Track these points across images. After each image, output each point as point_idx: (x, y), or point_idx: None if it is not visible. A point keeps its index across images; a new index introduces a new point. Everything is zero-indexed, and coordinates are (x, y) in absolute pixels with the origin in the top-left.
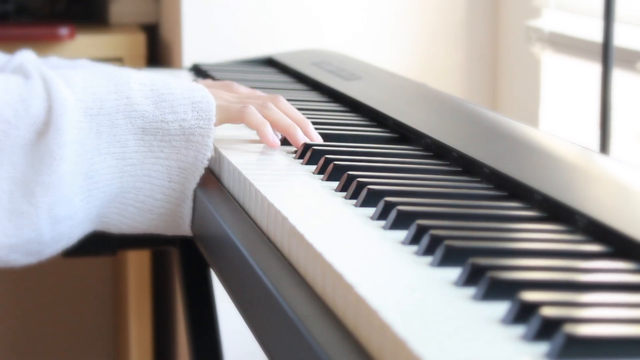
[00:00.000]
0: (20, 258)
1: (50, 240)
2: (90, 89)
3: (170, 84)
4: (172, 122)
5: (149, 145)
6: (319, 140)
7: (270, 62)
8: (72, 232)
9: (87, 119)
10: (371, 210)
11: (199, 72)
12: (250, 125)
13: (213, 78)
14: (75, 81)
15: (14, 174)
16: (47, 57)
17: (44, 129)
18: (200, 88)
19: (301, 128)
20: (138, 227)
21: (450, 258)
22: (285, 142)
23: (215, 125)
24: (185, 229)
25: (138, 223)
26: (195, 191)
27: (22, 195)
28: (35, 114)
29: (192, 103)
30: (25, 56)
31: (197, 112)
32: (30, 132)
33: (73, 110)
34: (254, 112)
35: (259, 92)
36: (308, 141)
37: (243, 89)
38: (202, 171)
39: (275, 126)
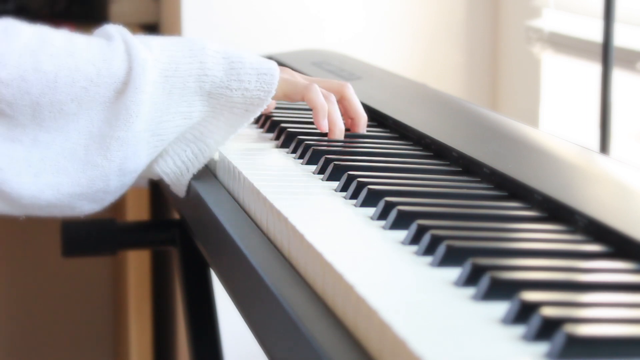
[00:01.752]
0: (86, 205)
1: (115, 189)
2: (166, 52)
3: (242, 55)
4: (235, 90)
5: (212, 107)
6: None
7: None
8: (130, 182)
9: (162, 79)
10: (371, 210)
11: None
12: (309, 103)
13: None
14: (152, 44)
15: (91, 128)
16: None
17: (123, 88)
18: (271, 62)
19: (356, 124)
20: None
21: (450, 258)
22: (285, 142)
23: (278, 97)
24: (183, 186)
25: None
26: (190, 183)
27: (97, 148)
28: (116, 74)
29: (258, 74)
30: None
31: (260, 83)
32: (110, 91)
33: (151, 70)
34: (317, 92)
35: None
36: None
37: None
38: (241, 125)
39: (348, 107)
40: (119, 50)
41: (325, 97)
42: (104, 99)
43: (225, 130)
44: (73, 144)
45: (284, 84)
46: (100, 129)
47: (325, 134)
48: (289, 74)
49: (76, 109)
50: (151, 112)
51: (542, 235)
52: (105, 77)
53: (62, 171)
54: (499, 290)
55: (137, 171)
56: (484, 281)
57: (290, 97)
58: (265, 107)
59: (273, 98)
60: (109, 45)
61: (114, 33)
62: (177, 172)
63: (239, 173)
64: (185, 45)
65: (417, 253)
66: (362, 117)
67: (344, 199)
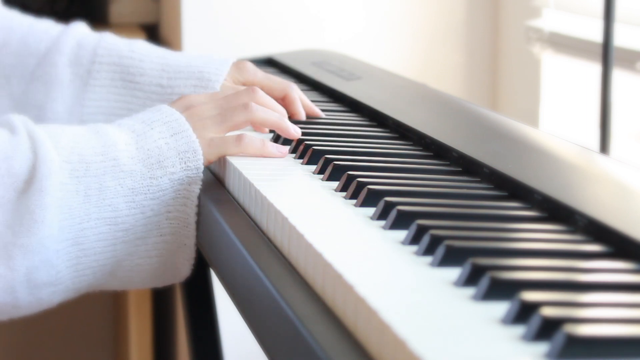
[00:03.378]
0: None
1: (27, 305)
2: (76, 149)
3: (154, 135)
4: (161, 178)
5: (140, 206)
6: (298, 133)
7: (270, 62)
8: (52, 298)
9: (73, 181)
10: (371, 210)
11: None
12: (253, 155)
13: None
14: (61, 141)
15: None
16: (102, 33)
17: (25, 188)
18: (183, 129)
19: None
20: (130, 285)
21: (450, 258)
22: (284, 142)
23: (211, 162)
24: (184, 274)
25: (134, 283)
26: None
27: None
28: (17, 174)
29: (178, 154)
30: (79, 30)
31: (185, 163)
32: (9, 191)
33: (58, 172)
34: (251, 141)
35: (230, 86)
36: (299, 134)
37: (216, 90)
38: (194, 225)
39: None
40: (22, 147)
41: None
42: (3, 200)
43: (158, 222)
44: None
45: (212, 149)
46: (2, 234)
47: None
48: (209, 128)
49: None
50: (64, 217)
51: (542, 235)
52: (5, 177)
53: None
54: (499, 290)
55: (56, 285)
56: (484, 281)
57: (226, 155)
58: (199, 185)
59: (207, 164)
60: (11, 141)
61: (18, 125)
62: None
63: (239, 173)
64: (97, 140)
65: (417, 253)
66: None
67: (343, 199)
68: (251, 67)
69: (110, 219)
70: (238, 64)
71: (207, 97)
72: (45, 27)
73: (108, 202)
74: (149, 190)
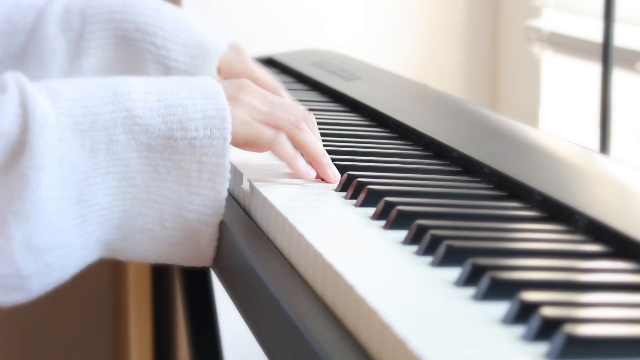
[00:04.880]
0: (1, 295)
1: (36, 273)
2: (79, 101)
3: (181, 92)
4: (181, 140)
5: (154, 165)
6: (337, 178)
7: (270, 62)
8: (65, 262)
9: (76, 136)
10: (371, 210)
11: None
12: (280, 158)
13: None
14: (62, 93)
15: None
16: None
17: (20, 149)
18: (216, 95)
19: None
20: (149, 256)
21: (450, 258)
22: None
23: (237, 145)
24: (205, 261)
25: (148, 252)
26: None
27: None
28: (7, 133)
29: (204, 118)
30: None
31: (210, 130)
32: (4, 153)
33: (54, 127)
34: (286, 144)
35: (287, 99)
36: (338, 179)
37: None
38: (223, 202)
39: (303, 149)
40: (11, 104)
41: (295, 127)
42: None
43: (178, 193)
44: None
45: (244, 129)
46: None
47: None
48: (246, 110)
49: None
50: (66, 175)
51: (542, 235)
52: None
53: None
54: (499, 290)
55: (63, 247)
56: (484, 281)
57: (254, 146)
58: (228, 157)
59: (234, 145)
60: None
61: (9, 82)
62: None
63: (240, 173)
64: (107, 89)
65: (417, 253)
66: (320, 156)
67: (343, 199)
68: (246, 53)
69: (119, 173)
70: (235, 45)
71: (264, 93)
72: (30, 1)
73: (118, 157)
74: (165, 150)
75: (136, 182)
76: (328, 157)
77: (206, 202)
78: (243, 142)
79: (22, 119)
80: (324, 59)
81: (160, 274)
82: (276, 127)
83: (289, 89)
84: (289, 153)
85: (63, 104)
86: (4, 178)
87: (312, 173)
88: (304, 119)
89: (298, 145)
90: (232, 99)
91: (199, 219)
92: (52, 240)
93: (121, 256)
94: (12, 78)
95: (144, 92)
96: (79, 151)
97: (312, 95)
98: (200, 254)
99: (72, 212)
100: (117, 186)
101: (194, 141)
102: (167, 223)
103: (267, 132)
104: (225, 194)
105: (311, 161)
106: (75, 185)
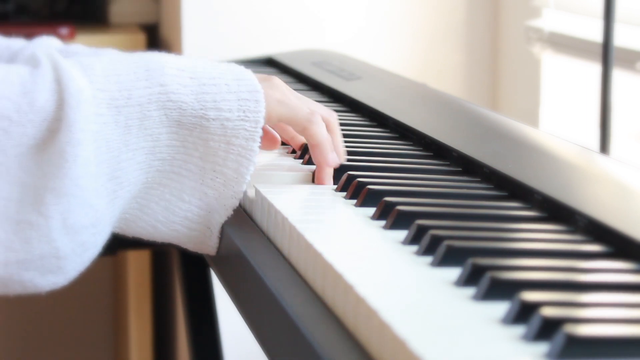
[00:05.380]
0: (37, 277)
1: (72, 252)
2: (113, 77)
3: (213, 72)
4: (213, 120)
5: (182, 140)
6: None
7: (270, 62)
8: (96, 240)
9: (111, 111)
10: (371, 210)
11: None
12: (312, 139)
13: None
14: (95, 69)
15: (24, 178)
16: (69, 44)
17: (57, 126)
18: (249, 77)
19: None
20: (157, 232)
21: (450, 258)
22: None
23: (270, 123)
24: (210, 247)
25: (159, 223)
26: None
27: (31, 203)
28: (44, 108)
29: (238, 99)
30: (45, 42)
31: (244, 112)
32: (41, 130)
33: (90, 102)
34: (320, 123)
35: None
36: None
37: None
38: (243, 187)
39: (329, 139)
40: (45, 79)
41: (328, 120)
42: (35, 140)
43: (202, 169)
44: (4, 199)
45: (279, 107)
46: (35, 177)
47: None
48: (279, 91)
49: (1, 157)
50: (101, 151)
51: (542, 235)
52: (29, 114)
53: None
54: (499, 290)
55: (96, 225)
56: (484, 281)
57: (284, 128)
58: (258, 142)
59: (266, 123)
60: (33, 74)
61: (41, 58)
62: (150, 233)
63: None
64: (140, 65)
65: (417, 253)
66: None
67: (343, 199)
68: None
69: (148, 148)
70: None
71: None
72: (7, 43)
73: (149, 132)
74: (195, 128)
75: (162, 155)
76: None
77: (228, 182)
78: (277, 120)
79: (58, 94)
80: (324, 59)
81: (160, 274)
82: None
83: None
84: (324, 134)
85: (97, 79)
86: (40, 155)
87: (335, 162)
88: (327, 116)
89: (330, 130)
90: (264, 80)
91: (217, 198)
92: (87, 219)
93: (129, 230)
94: (44, 55)
95: (177, 69)
96: (113, 127)
97: (312, 95)
98: (207, 238)
99: (105, 189)
100: (144, 160)
101: (227, 122)
102: (186, 196)
103: (304, 109)
104: (248, 178)
105: (321, 160)
106: (109, 162)
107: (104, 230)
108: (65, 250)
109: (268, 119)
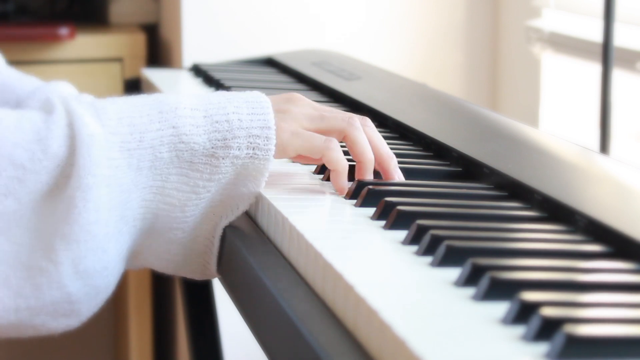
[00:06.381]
0: (49, 321)
1: (85, 296)
2: (126, 120)
3: (228, 107)
4: (223, 159)
5: (192, 185)
6: (400, 178)
7: (270, 62)
8: (109, 281)
9: (124, 154)
10: (371, 211)
11: (199, 72)
12: (330, 165)
13: (219, 82)
14: (108, 112)
15: (38, 224)
16: (82, 94)
17: (69, 171)
18: (264, 112)
19: (383, 164)
20: (169, 265)
21: (450, 258)
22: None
23: (290, 157)
24: (210, 272)
25: (171, 255)
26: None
27: (42, 249)
28: (57, 155)
29: (249, 136)
30: (60, 87)
31: (253, 150)
32: (55, 176)
33: (102, 146)
34: (337, 149)
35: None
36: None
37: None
38: (246, 207)
39: (354, 152)
40: (59, 124)
41: (349, 125)
42: (49, 186)
43: (211, 201)
44: (17, 245)
45: (294, 140)
46: (47, 224)
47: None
48: (296, 121)
49: (15, 204)
50: (114, 195)
51: (542, 235)
52: (44, 161)
53: (3, 281)
54: (499, 290)
55: (108, 268)
56: (484, 281)
57: (305, 158)
58: (265, 177)
59: (290, 158)
60: (47, 120)
61: (56, 103)
62: (166, 267)
63: None
64: (153, 107)
65: (417, 253)
66: (392, 157)
67: (343, 199)
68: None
69: (157, 187)
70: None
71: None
72: (13, 86)
73: (159, 172)
74: (206, 169)
75: (172, 200)
76: (394, 159)
77: (227, 215)
78: (294, 154)
79: (70, 139)
80: (324, 59)
81: (160, 274)
82: (328, 130)
83: (289, 89)
84: (341, 162)
85: (110, 122)
86: (54, 200)
87: (345, 190)
88: (363, 123)
89: (352, 143)
90: (281, 111)
91: (215, 226)
92: (100, 263)
93: (136, 262)
94: (58, 99)
95: (191, 109)
96: (126, 170)
97: (312, 96)
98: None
99: (114, 229)
100: (152, 200)
101: (236, 160)
102: (195, 237)
103: (318, 138)
104: (244, 208)
105: (361, 166)
106: (119, 204)
107: (114, 268)
108: (78, 295)
109: (283, 153)
